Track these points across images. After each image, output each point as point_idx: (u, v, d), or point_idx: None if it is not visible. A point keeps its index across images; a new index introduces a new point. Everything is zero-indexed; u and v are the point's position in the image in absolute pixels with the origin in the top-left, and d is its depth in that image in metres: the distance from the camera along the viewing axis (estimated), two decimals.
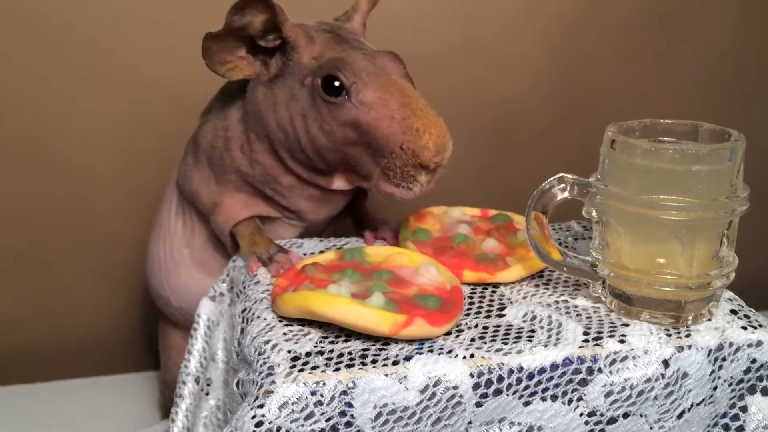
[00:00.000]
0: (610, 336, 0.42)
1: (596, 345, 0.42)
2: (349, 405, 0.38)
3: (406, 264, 0.48)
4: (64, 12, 0.68)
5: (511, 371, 0.40)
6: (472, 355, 0.40)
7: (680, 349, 0.42)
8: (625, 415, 0.42)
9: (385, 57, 0.50)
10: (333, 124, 0.48)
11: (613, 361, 0.41)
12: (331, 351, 0.40)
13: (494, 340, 0.42)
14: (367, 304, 0.41)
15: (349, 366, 0.39)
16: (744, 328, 0.44)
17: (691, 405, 0.43)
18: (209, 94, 0.71)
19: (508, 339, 0.42)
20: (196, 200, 0.55)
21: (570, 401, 0.41)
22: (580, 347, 0.41)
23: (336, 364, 0.39)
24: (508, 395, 0.40)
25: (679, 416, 0.43)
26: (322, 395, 0.38)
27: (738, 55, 0.85)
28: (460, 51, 0.76)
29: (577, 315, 0.45)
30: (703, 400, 0.43)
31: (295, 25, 0.49)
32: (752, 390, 0.44)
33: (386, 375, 0.39)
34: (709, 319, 0.45)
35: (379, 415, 0.39)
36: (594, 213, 0.45)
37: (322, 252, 0.53)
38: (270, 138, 0.50)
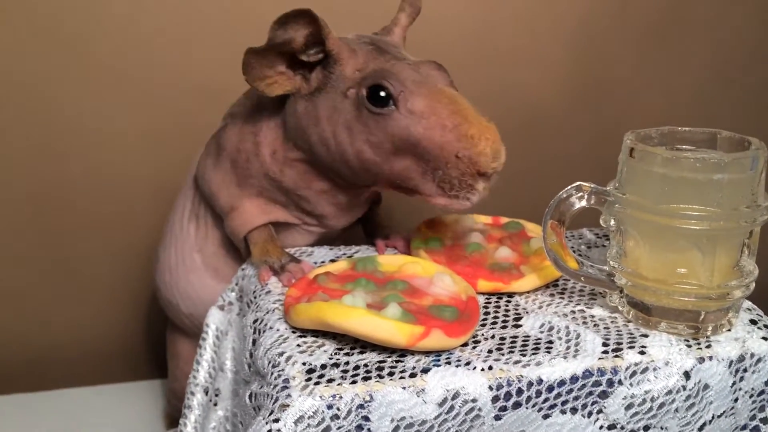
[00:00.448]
0: (630, 347, 0.42)
1: (616, 356, 0.41)
2: (366, 419, 0.38)
3: (420, 273, 0.47)
4: (86, 5, 0.67)
5: (530, 383, 0.39)
6: (490, 367, 0.40)
7: (701, 360, 0.41)
8: (646, 428, 0.41)
9: (429, 66, 0.48)
10: (381, 135, 0.46)
11: (634, 373, 0.41)
12: (347, 363, 0.40)
13: (512, 352, 0.41)
14: (383, 315, 0.40)
15: (365, 378, 0.38)
16: (765, 338, 0.43)
17: (712, 417, 0.42)
18: (232, 90, 0.70)
19: (526, 350, 0.42)
20: (214, 202, 0.54)
21: (590, 414, 0.40)
22: (599, 359, 0.41)
23: (352, 376, 0.39)
24: (527, 408, 0.39)
25: (701, 429, 0.42)
26: (338, 409, 0.37)
27: (759, 59, 0.84)
28: (480, 56, 0.76)
29: (595, 325, 0.44)
30: (724, 412, 0.42)
31: (337, 38, 0.48)
32: None
33: (404, 388, 0.38)
34: (729, 330, 0.44)
35: (396, 429, 0.38)
36: (612, 222, 0.44)
37: (333, 261, 0.53)
38: (311, 151, 0.49)
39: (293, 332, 0.43)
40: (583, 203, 0.44)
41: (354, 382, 0.38)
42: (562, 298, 0.48)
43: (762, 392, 0.43)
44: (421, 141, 0.45)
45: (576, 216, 0.45)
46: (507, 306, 0.47)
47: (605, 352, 0.41)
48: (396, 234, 0.56)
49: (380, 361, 0.40)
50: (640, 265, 0.43)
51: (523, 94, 0.79)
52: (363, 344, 0.41)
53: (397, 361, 0.40)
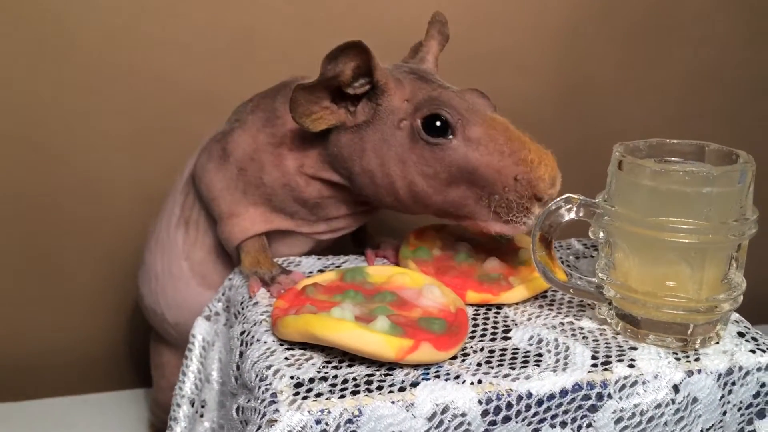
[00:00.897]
0: (619, 360, 0.42)
1: (605, 370, 0.41)
2: None
3: (408, 285, 0.47)
4: (74, 11, 0.66)
5: (520, 397, 0.39)
6: (479, 381, 0.39)
7: (690, 373, 0.41)
8: None
9: (473, 94, 0.48)
10: (437, 166, 0.46)
11: (623, 387, 0.40)
12: (335, 377, 0.39)
13: (501, 365, 0.41)
14: (372, 329, 0.40)
15: (354, 393, 0.38)
16: (753, 351, 0.43)
17: (701, 430, 0.42)
18: (219, 96, 0.69)
19: (515, 363, 0.41)
20: (213, 206, 0.53)
21: (579, 428, 0.40)
22: (589, 372, 0.41)
23: (341, 390, 0.38)
24: (516, 422, 0.39)
25: None
26: (327, 424, 0.37)
27: (743, 65, 0.85)
28: (463, 61, 0.76)
29: (584, 338, 0.44)
30: (712, 425, 0.42)
31: (384, 69, 0.47)
32: (761, 414, 0.43)
33: (393, 402, 0.38)
34: (717, 342, 0.44)
35: None
36: (601, 234, 0.44)
37: (321, 271, 0.52)
38: (351, 179, 0.49)
39: (281, 345, 0.42)
40: (572, 215, 0.44)
41: (342, 396, 0.38)
42: (551, 309, 0.48)
43: (750, 405, 0.43)
44: (478, 168, 0.46)
45: (565, 227, 0.45)
46: (496, 318, 0.47)
47: (594, 365, 0.41)
48: (386, 243, 0.56)
49: (369, 375, 0.40)
50: (628, 277, 0.43)
51: (505, 99, 0.79)
52: (351, 357, 0.41)
53: (385, 375, 0.40)
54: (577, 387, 0.40)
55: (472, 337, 0.44)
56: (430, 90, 0.47)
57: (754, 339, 0.45)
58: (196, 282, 0.56)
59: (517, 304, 0.49)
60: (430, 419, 0.38)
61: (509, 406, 0.39)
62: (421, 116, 0.46)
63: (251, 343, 0.43)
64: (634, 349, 0.43)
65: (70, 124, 0.69)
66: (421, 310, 0.44)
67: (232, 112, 0.55)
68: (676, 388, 0.41)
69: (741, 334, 0.45)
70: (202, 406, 0.51)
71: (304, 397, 0.37)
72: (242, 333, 0.45)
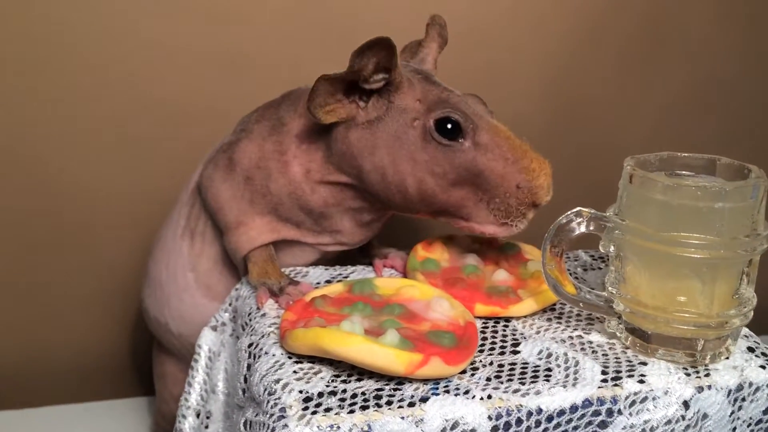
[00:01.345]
0: (629, 375, 0.41)
1: (615, 385, 0.41)
2: None
3: (417, 297, 0.47)
4: (63, 28, 0.66)
5: (530, 413, 0.39)
6: (489, 396, 0.39)
7: (700, 389, 0.41)
8: None
9: (473, 99, 0.50)
10: (446, 166, 0.48)
11: (633, 402, 0.40)
12: (344, 391, 0.39)
13: (511, 380, 0.41)
14: (381, 343, 0.39)
15: (363, 408, 0.38)
16: (763, 367, 0.43)
17: None
18: (208, 115, 0.70)
19: (525, 378, 0.41)
20: (219, 216, 0.53)
21: None
22: (599, 387, 0.40)
23: (350, 405, 0.38)
24: None
25: None
26: None
27: (739, 80, 0.85)
28: (457, 74, 0.75)
29: (593, 352, 0.44)
30: None
31: (401, 71, 0.48)
32: None
33: (402, 417, 0.37)
34: (727, 358, 0.44)
35: None
36: (611, 248, 0.44)
37: (328, 281, 0.52)
38: (360, 178, 0.49)
39: (289, 358, 0.42)
40: (583, 229, 0.44)
41: (352, 411, 0.37)
42: (560, 323, 0.48)
43: (759, 421, 0.43)
44: (484, 171, 0.48)
45: (575, 241, 0.45)
46: (504, 331, 0.47)
47: (604, 380, 0.41)
48: (394, 254, 0.56)
49: (378, 389, 0.39)
50: (639, 291, 0.43)
51: (500, 114, 0.79)
52: (360, 371, 0.41)
53: (395, 389, 0.39)
54: (587, 403, 0.40)
55: (481, 351, 0.44)
56: (438, 92, 0.49)
57: (764, 354, 0.44)
58: (201, 293, 0.56)
59: (525, 317, 0.48)
60: None
61: (519, 422, 0.39)
62: (435, 117, 0.47)
63: (259, 356, 0.43)
64: (644, 364, 0.43)
65: (67, 135, 0.69)
66: (430, 323, 0.44)
67: (238, 122, 0.55)
68: (686, 404, 0.41)
69: (751, 350, 0.45)
70: (208, 417, 0.51)
71: (314, 412, 0.37)
72: (250, 345, 0.45)
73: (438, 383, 0.40)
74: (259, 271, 0.50)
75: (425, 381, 0.40)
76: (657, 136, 0.84)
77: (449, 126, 0.47)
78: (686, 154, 0.46)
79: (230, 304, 0.52)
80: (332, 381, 0.40)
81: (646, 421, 0.40)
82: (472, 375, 0.41)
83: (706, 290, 0.41)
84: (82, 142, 0.70)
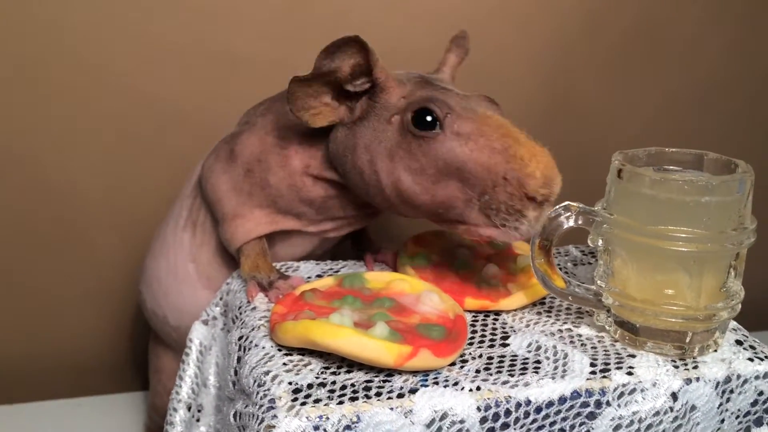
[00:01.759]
0: (618, 367, 0.42)
1: (604, 377, 0.41)
2: None
3: (407, 291, 0.47)
4: (55, 28, 0.66)
5: (519, 404, 0.39)
6: (478, 388, 0.39)
7: (688, 381, 0.41)
8: None
9: (480, 98, 0.47)
10: (423, 160, 0.44)
11: (622, 394, 0.40)
12: (334, 383, 0.39)
13: (500, 372, 0.41)
14: (371, 335, 0.40)
15: (352, 399, 0.38)
16: (751, 359, 0.43)
17: None
18: (201, 115, 0.70)
19: (513, 370, 0.41)
20: (217, 207, 0.52)
21: None
22: (587, 379, 0.41)
23: (339, 396, 0.38)
24: (515, 429, 0.39)
25: None
26: (325, 430, 0.37)
27: (731, 80, 0.86)
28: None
29: (582, 345, 0.44)
30: None
31: (385, 67, 0.47)
32: (759, 422, 0.44)
33: (391, 408, 0.38)
34: (715, 350, 0.44)
35: None
36: (600, 242, 0.44)
37: (319, 276, 0.52)
38: (345, 177, 0.48)
39: (279, 350, 0.42)
40: (571, 223, 0.44)
41: (341, 403, 0.38)
42: (549, 316, 0.48)
43: (748, 413, 0.43)
44: (467, 163, 0.43)
45: (564, 235, 0.45)
46: (494, 324, 0.47)
47: (593, 372, 0.41)
48: (386, 249, 0.56)
49: (367, 381, 0.40)
50: (627, 285, 0.43)
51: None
52: (350, 363, 0.41)
53: (384, 381, 0.40)
54: (575, 394, 0.40)
55: (471, 344, 0.44)
56: (431, 90, 0.46)
57: (752, 347, 0.45)
58: (202, 284, 0.56)
59: (515, 310, 0.49)
60: (428, 426, 0.38)
61: (508, 413, 0.39)
62: (412, 110, 0.45)
63: (249, 349, 0.43)
64: (633, 356, 0.43)
65: (63, 133, 0.69)
66: (419, 316, 0.44)
67: (244, 113, 0.55)
68: (674, 396, 0.41)
69: (739, 342, 0.45)
70: (199, 411, 0.51)
71: (303, 403, 0.37)
72: (240, 338, 0.45)
73: (427, 375, 0.40)
74: (251, 264, 0.50)
75: (414, 373, 0.40)
76: (648, 133, 0.84)
77: (428, 118, 0.44)
78: (674, 150, 0.46)
79: (221, 298, 0.53)
80: (322, 373, 0.40)
81: (634, 413, 0.40)
82: (462, 367, 0.41)
83: (693, 283, 0.42)
84: (78, 140, 0.70)
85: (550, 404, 0.39)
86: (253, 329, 0.45)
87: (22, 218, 0.70)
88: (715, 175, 0.44)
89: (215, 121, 0.58)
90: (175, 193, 0.62)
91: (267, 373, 0.40)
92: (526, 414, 0.39)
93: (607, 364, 0.42)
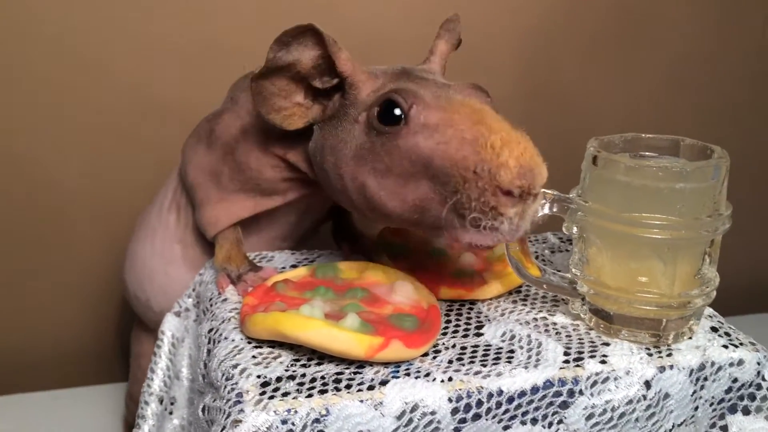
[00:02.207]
0: (591, 356, 0.41)
1: (577, 366, 0.41)
2: None
3: (381, 280, 0.46)
4: (41, 22, 0.65)
5: (490, 395, 0.39)
6: (450, 379, 0.39)
7: (662, 369, 0.41)
8: None
9: (465, 86, 0.42)
10: (387, 159, 0.39)
11: (595, 383, 0.40)
12: (303, 375, 0.39)
13: (473, 362, 0.41)
14: (341, 327, 0.39)
15: (322, 391, 0.37)
16: (725, 346, 0.43)
17: (672, 426, 0.42)
18: (183, 106, 0.69)
19: (486, 360, 0.41)
20: (196, 190, 0.50)
21: (550, 425, 0.40)
22: (560, 369, 0.40)
23: (308, 389, 0.37)
24: (487, 420, 0.39)
25: None
26: (293, 423, 0.36)
27: (713, 63, 0.85)
28: None
29: (557, 333, 0.44)
30: (684, 420, 0.42)
31: (351, 59, 0.42)
32: (733, 409, 0.43)
33: (361, 401, 0.37)
34: (690, 338, 0.44)
35: None
36: (574, 229, 0.44)
37: (294, 266, 0.52)
38: (318, 178, 0.45)
39: (249, 343, 0.42)
40: (546, 210, 0.44)
41: (310, 396, 0.37)
42: (525, 305, 0.47)
43: (722, 400, 0.43)
44: (433, 158, 0.38)
45: (542, 223, 0.44)
46: (469, 314, 0.46)
47: (566, 361, 0.41)
48: (364, 238, 0.55)
49: (338, 373, 0.39)
50: (602, 273, 0.43)
51: None
52: (321, 355, 0.40)
53: (355, 373, 0.39)
54: (548, 384, 0.39)
55: (444, 334, 0.44)
56: (405, 81, 0.42)
57: (727, 334, 0.44)
58: (187, 266, 0.55)
59: (491, 299, 0.48)
60: (399, 418, 0.37)
61: (479, 403, 0.38)
62: (377, 104, 0.40)
63: (219, 341, 0.42)
64: (607, 345, 0.43)
65: (50, 129, 0.68)
66: (392, 306, 0.44)
67: (232, 85, 0.52)
68: (647, 384, 0.41)
69: (714, 329, 0.45)
70: (172, 404, 0.51)
71: (271, 397, 0.37)
72: (210, 330, 0.44)
73: (399, 366, 0.40)
74: (224, 255, 0.49)
75: (386, 364, 0.40)
76: (631, 119, 0.84)
77: (395, 111, 0.39)
78: (650, 136, 0.46)
79: (194, 290, 0.52)
80: (291, 365, 0.40)
81: (607, 402, 0.40)
82: (434, 358, 0.41)
83: (667, 271, 0.41)
84: (59, 132, 0.69)
85: (522, 394, 0.39)
86: (223, 321, 0.44)
87: (1, 210, 0.69)
88: (692, 160, 0.44)
89: (198, 111, 0.57)
90: (157, 183, 0.61)
91: (235, 366, 0.39)
92: (498, 404, 0.39)
93: (580, 352, 0.42)
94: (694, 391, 0.42)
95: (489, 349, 0.42)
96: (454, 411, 0.38)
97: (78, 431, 0.69)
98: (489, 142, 0.38)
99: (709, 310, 0.47)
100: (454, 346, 0.42)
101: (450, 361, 0.41)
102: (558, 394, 0.40)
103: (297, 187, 0.49)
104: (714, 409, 0.43)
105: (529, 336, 0.43)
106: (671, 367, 0.41)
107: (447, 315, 0.46)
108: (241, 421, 0.35)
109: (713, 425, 0.43)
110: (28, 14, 0.65)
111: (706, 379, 0.42)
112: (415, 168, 0.39)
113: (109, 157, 0.71)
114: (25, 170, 0.69)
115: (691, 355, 0.42)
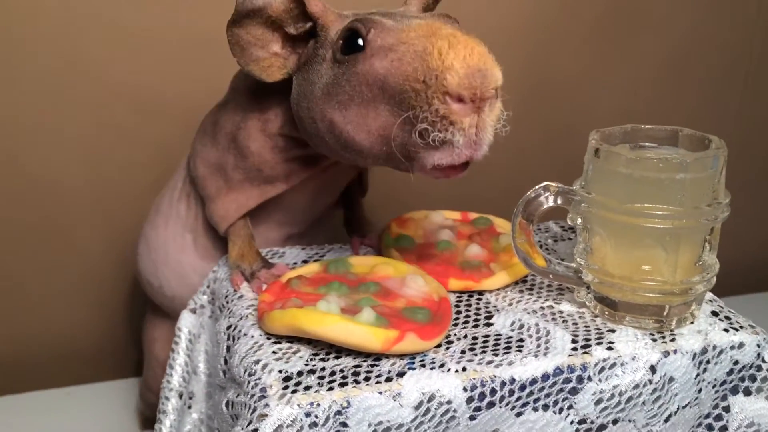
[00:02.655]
0: (598, 343, 0.43)
1: (585, 353, 0.42)
2: (344, 425, 0.38)
3: (392, 274, 0.48)
4: (29, 19, 0.65)
5: (503, 383, 0.40)
6: (464, 369, 0.40)
7: (666, 354, 0.43)
8: (615, 422, 0.42)
9: (433, 15, 0.41)
10: (348, 88, 0.38)
11: (602, 369, 0.42)
12: (323, 369, 0.40)
13: (484, 352, 0.42)
14: (357, 321, 0.40)
15: (342, 385, 0.39)
16: (726, 330, 0.45)
17: (677, 408, 0.44)
18: (180, 102, 0.70)
19: (498, 350, 0.42)
20: (200, 185, 0.51)
21: (561, 410, 0.42)
22: (569, 356, 0.42)
23: (329, 383, 0.39)
24: (501, 407, 0.40)
25: (666, 420, 0.43)
26: (316, 416, 0.37)
27: (711, 52, 0.86)
28: None
29: (564, 321, 0.45)
30: (688, 402, 0.44)
31: (322, 1, 0.42)
32: (734, 390, 0.45)
33: (380, 393, 0.39)
34: (692, 322, 0.45)
35: None
36: (579, 220, 0.45)
37: (305, 261, 0.53)
38: (301, 132, 0.45)
39: (268, 338, 0.43)
40: (551, 202, 0.45)
41: (331, 389, 0.38)
42: (531, 294, 0.49)
43: (724, 382, 0.45)
44: (387, 77, 0.37)
45: (544, 214, 0.46)
46: (478, 304, 0.48)
47: (574, 348, 0.42)
48: (372, 232, 0.56)
49: (356, 366, 0.40)
50: (606, 262, 0.44)
51: None
52: (338, 349, 0.42)
53: (372, 366, 0.40)
54: (558, 371, 0.41)
55: (455, 325, 0.45)
56: (373, 15, 0.40)
57: (728, 318, 0.46)
58: (199, 254, 0.56)
59: (498, 290, 0.50)
60: (417, 408, 0.39)
61: (493, 392, 0.40)
62: (341, 37, 0.40)
63: (238, 338, 0.44)
64: (612, 331, 0.44)
65: (44, 128, 0.69)
66: (404, 299, 0.45)
67: (233, 77, 0.53)
68: (653, 369, 0.42)
69: (715, 314, 0.47)
70: (190, 398, 0.52)
71: (294, 391, 0.38)
72: (229, 327, 0.45)
73: (414, 358, 0.41)
74: (237, 252, 0.50)
75: (402, 356, 0.41)
76: (629, 110, 0.85)
77: (358, 41, 0.38)
78: (649, 126, 0.47)
79: (208, 287, 0.53)
80: (311, 360, 0.41)
81: (614, 386, 0.42)
82: (447, 348, 0.42)
83: (669, 259, 0.43)
84: (56, 131, 0.69)
85: (533, 381, 0.41)
86: (241, 318, 0.46)
87: (3, 211, 0.70)
88: (690, 150, 0.45)
89: (199, 109, 0.58)
90: (157, 182, 0.62)
91: (257, 362, 0.41)
92: (511, 392, 0.40)
93: (587, 339, 0.43)
94: (698, 374, 0.44)
95: (499, 339, 0.44)
96: (469, 400, 0.40)
97: (91, 426, 0.71)
98: (436, 48, 0.36)
99: (709, 295, 0.49)
100: (465, 336, 0.44)
101: (463, 352, 0.42)
102: (568, 380, 0.41)
103: (298, 170, 0.49)
104: (717, 391, 0.45)
105: (537, 325, 0.45)
106: (675, 351, 0.43)
107: (457, 306, 0.48)
108: (266, 416, 0.37)
109: (716, 406, 0.45)
110: (27, 14, 0.65)
111: (708, 362, 0.44)
112: (372, 92, 0.38)
113: (109, 154, 0.71)
114: (25, 174, 0.70)
115: (693, 339, 0.44)
